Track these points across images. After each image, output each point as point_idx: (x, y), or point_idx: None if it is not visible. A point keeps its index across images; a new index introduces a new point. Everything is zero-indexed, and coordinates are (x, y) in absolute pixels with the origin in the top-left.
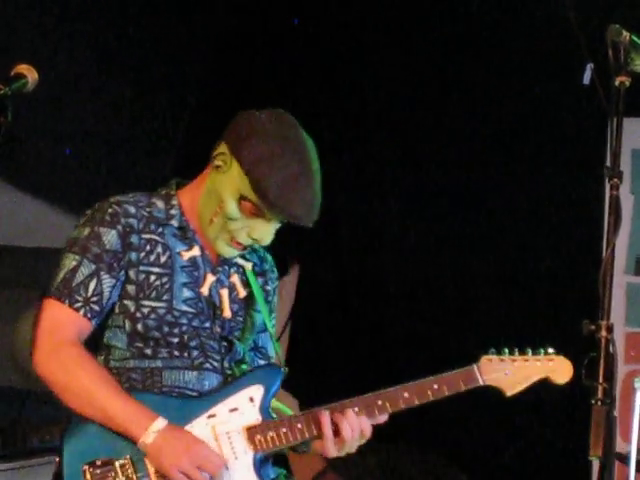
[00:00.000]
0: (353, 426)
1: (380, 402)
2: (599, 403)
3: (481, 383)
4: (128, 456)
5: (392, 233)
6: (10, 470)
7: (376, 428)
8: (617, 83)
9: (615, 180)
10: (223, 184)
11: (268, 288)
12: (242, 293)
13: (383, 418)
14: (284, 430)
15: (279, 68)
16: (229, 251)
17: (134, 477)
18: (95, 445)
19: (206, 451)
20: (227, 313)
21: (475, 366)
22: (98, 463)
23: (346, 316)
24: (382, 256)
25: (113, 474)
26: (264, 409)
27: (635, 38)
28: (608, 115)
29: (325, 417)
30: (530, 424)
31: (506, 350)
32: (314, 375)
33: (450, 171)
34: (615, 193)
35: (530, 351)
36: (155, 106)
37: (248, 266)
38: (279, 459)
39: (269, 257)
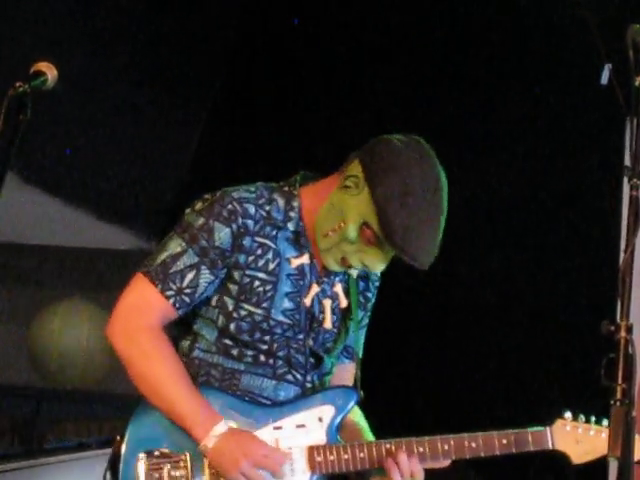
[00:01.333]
0: (407, 469)
1: (447, 447)
2: (618, 404)
3: (550, 447)
4: (188, 454)
5: None
6: (27, 468)
7: (385, 420)
8: (638, 83)
9: (635, 181)
10: (349, 206)
11: (369, 294)
12: (343, 303)
13: (445, 463)
14: (346, 457)
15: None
16: (336, 267)
17: (189, 475)
18: (158, 435)
19: (266, 450)
20: (328, 324)
21: (548, 429)
22: (157, 454)
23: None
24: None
25: (169, 467)
26: (331, 431)
27: None
28: (627, 115)
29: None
30: None
31: (582, 417)
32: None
33: (468, 171)
34: (635, 194)
35: (605, 422)
36: (169, 109)
37: (354, 274)
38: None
39: (369, 281)
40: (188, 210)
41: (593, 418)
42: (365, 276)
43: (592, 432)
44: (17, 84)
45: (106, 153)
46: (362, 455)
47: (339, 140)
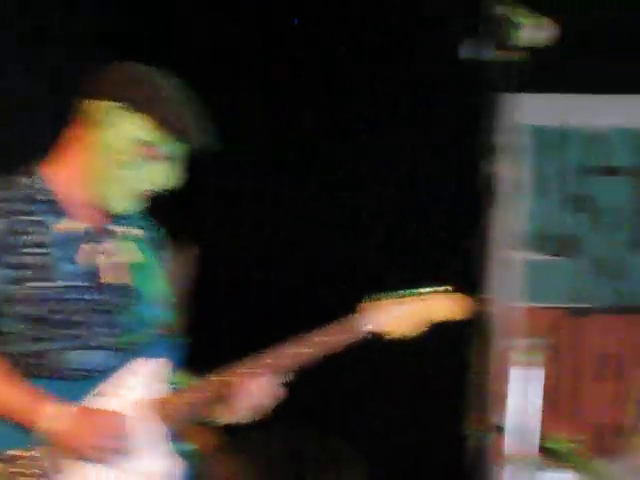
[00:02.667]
0: (259, 386)
1: (286, 359)
2: (478, 377)
3: (366, 330)
4: (32, 446)
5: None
6: None
7: (275, 411)
8: (499, 57)
9: (498, 155)
10: (114, 137)
11: (158, 256)
12: (126, 259)
13: (285, 377)
14: (190, 401)
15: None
16: (127, 205)
17: (46, 466)
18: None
19: (105, 417)
20: (108, 279)
21: (356, 314)
22: (6, 457)
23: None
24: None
25: (20, 468)
26: (163, 382)
27: (517, 12)
28: (492, 90)
29: (230, 378)
30: (416, 402)
31: (386, 293)
32: (213, 347)
33: (323, 147)
34: (499, 169)
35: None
36: None
37: (134, 232)
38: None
39: (155, 226)
40: None
41: (411, 291)
42: (150, 240)
43: (400, 303)
44: None
45: None
46: (201, 394)
47: None
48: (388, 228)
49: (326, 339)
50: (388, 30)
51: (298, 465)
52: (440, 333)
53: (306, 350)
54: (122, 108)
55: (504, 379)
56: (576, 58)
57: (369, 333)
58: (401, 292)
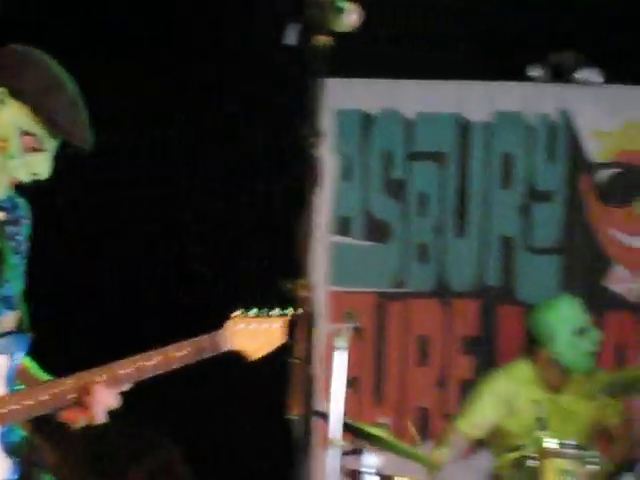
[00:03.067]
0: (100, 398)
1: (129, 371)
2: (298, 361)
3: (228, 348)
4: None
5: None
6: None
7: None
8: (318, 43)
9: (315, 139)
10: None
11: (19, 238)
12: None
13: (128, 386)
14: (30, 402)
15: None
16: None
17: None
18: None
19: None
20: None
21: (221, 331)
22: None
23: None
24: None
25: None
26: (8, 380)
27: None
28: (312, 75)
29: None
30: (236, 390)
31: (255, 311)
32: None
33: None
34: (314, 153)
35: (277, 310)
36: None
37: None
38: None
39: (22, 202)
40: None
41: (266, 311)
42: (13, 220)
43: (265, 325)
44: None
45: None
46: (45, 398)
47: None
48: (216, 217)
49: (180, 353)
50: (207, 14)
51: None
52: None
53: (157, 362)
54: (4, 94)
55: (323, 364)
56: (386, 44)
57: (226, 351)
58: (255, 312)
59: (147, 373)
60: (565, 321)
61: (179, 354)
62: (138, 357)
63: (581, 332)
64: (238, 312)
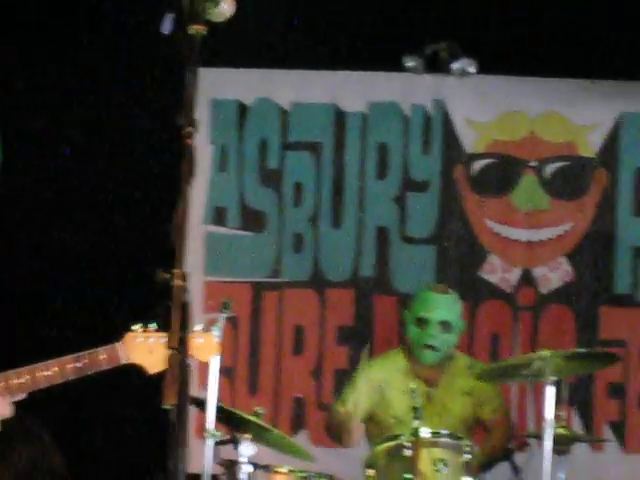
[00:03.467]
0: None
1: (23, 380)
2: (174, 351)
3: (125, 362)
4: None
5: None
6: None
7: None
8: (192, 32)
9: (189, 129)
10: None
11: None
12: None
13: (22, 396)
14: None
15: None
16: None
17: None
18: None
19: None
20: None
21: (119, 344)
22: None
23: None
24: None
25: None
26: None
27: None
28: (188, 65)
29: None
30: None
31: (154, 325)
32: None
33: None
34: (189, 142)
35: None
36: None
37: None
38: None
39: None
40: None
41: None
42: None
43: (164, 339)
44: None
45: None
46: None
47: None
48: (90, 207)
49: (82, 365)
50: (83, 2)
51: None
52: (134, 309)
53: (53, 373)
54: None
55: None
56: (261, 34)
57: (126, 364)
58: (154, 326)
59: (42, 383)
60: (413, 312)
61: (76, 365)
62: (33, 367)
63: (419, 323)
64: (137, 326)
